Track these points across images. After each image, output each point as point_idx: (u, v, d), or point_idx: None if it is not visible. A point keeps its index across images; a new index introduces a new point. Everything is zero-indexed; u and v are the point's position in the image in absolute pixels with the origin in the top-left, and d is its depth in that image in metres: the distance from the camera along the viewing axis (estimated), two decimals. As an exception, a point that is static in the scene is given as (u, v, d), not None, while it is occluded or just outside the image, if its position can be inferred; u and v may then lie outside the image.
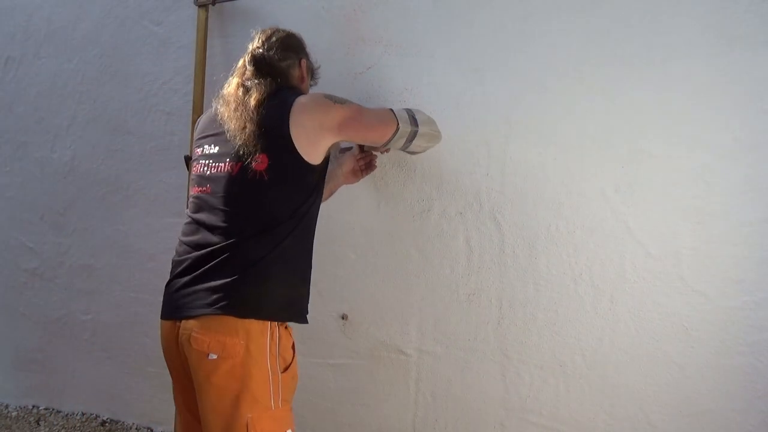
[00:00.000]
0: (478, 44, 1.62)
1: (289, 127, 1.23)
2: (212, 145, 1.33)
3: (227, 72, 1.42)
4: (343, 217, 1.82)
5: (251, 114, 1.24)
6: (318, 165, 1.30)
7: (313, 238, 1.38)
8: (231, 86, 1.34)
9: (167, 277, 1.33)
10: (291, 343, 1.29)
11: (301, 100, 1.28)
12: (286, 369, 1.25)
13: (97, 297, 2.22)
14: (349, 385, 1.90)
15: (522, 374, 1.69)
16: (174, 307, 1.26)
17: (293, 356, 1.29)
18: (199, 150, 1.38)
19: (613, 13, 1.49)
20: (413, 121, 1.45)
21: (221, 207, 1.25)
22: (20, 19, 2.12)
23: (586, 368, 1.62)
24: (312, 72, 1.56)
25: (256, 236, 1.22)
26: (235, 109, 1.27)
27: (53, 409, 2.42)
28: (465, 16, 1.62)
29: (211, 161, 1.31)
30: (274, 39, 1.40)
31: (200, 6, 1.80)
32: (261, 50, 1.37)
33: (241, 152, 1.23)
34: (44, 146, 2.18)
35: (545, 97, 1.57)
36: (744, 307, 1.46)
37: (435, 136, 1.56)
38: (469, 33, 1.63)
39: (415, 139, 1.46)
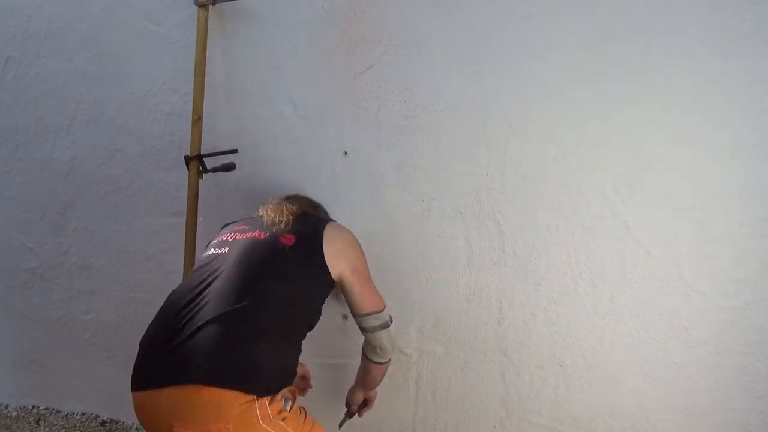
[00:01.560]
0: (478, 44, 1.62)
1: (322, 232, 1.38)
2: (241, 228, 1.41)
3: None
4: (343, 218, 1.82)
5: (292, 208, 1.42)
6: (330, 276, 1.37)
7: (303, 338, 1.36)
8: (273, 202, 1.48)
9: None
10: (280, 406, 1.20)
11: (336, 223, 1.50)
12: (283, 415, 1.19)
13: (97, 297, 2.22)
14: (349, 385, 1.90)
15: (522, 374, 1.69)
16: (155, 374, 1.15)
17: (292, 401, 1.23)
18: (219, 238, 1.43)
19: (613, 13, 1.49)
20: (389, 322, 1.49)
21: (238, 267, 1.24)
22: (20, 19, 2.12)
23: (586, 368, 1.62)
24: None
25: (269, 305, 1.22)
26: (278, 204, 1.44)
27: (53, 409, 2.42)
28: (465, 16, 1.62)
29: (236, 234, 1.37)
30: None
31: (200, 6, 1.80)
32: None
33: (273, 226, 1.34)
34: (44, 146, 2.18)
35: (545, 97, 1.57)
36: (744, 307, 1.46)
37: (387, 349, 1.50)
38: (469, 33, 1.62)
39: (383, 331, 1.46)
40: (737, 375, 1.49)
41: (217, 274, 1.24)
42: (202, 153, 1.77)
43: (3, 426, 2.34)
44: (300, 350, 1.33)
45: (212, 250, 1.36)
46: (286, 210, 1.42)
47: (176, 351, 1.12)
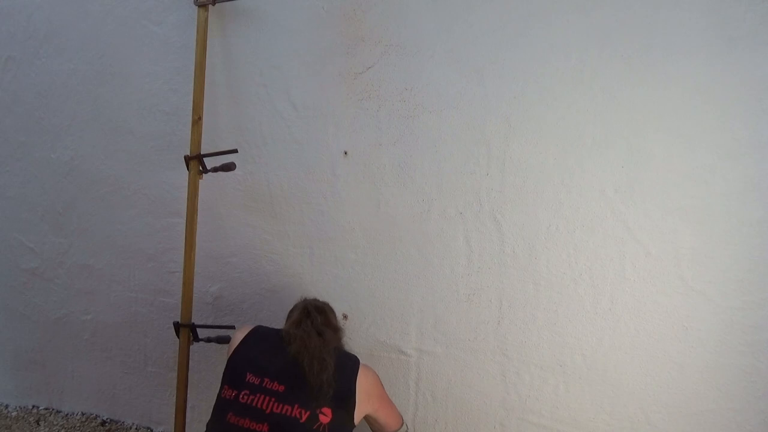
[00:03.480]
0: (478, 44, 1.62)
1: (355, 387, 1.37)
2: (274, 388, 1.34)
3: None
4: (343, 218, 1.82)
5: (332, 360, 1.36)
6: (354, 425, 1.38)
7: None
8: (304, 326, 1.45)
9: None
10: None
11: (364, 365, 1.45)
12: None
13: (97, 297, 2.22)
14: (349, 385, 1.90)
15: (522, 374, 1.69)
16: None
17: None
18: (257, 377, 1.36)
19: (613, 13, 1.49)
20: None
21: None
22: (20, 19, 2.12)
23: (586, 368, 1.62)
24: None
25: None
26: (316, 348, 1.38)
27: (53, 409, 2.42)
28: (465, 16, 1.62)
29: (272, 402, 1.31)
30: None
31: (200, 6, 1.80)
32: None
33: (311, 394, 1.31)
34: (44, 146, 2.18)
35: (545, 97, 1.57)
36: (744, 307, 1.46)
37: None
38: (469, 33, 1.62)
39: None
40: (737, 375, 1.49)
41: None
42: (202, 153, 1.77)
43: (3, 426, 2.34)
44: None
45: (247, 419, 1.31)
46: (320, 357, 1.36)
47: None
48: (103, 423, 2.31)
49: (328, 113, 1.78)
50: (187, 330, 1.76)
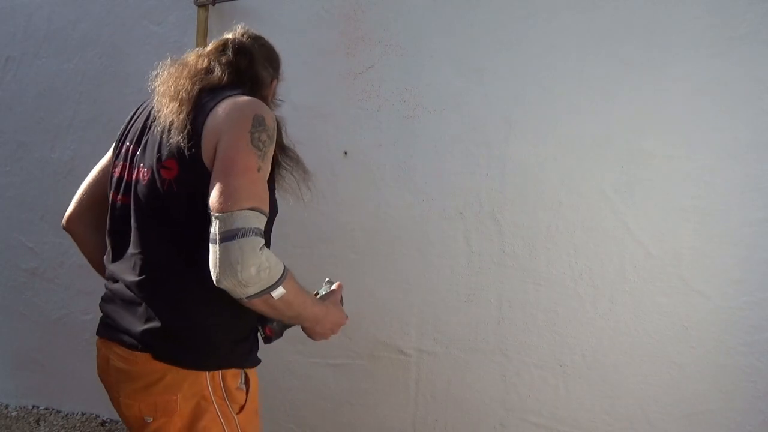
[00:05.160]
0: (478, 44, 1.62)
1: (205, 122, 0.99)
2: (135, 141, 1.11)
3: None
4: (343, 218, 1.82)
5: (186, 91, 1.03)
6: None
7: None
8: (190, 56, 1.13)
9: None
10: (239, 381, 1.08)
11: (235, 99, 1.02)
12: (241, 409, 1.07)
13: (97, 297, 2.21)
14: (349, 385, 1.90)
15: (522, 374, 1.69)
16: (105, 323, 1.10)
17: (247, 393, 1.09)
18: (123, 143, 1.15)
19: (613, 13, 1.49)
20: (276, 279, 0.95)
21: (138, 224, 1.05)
22: (20, 19, 2.12)
23: (586, 368, 1.62)
24: (274, 100, 1.36)
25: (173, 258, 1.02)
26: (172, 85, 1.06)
27: (53, 409, 2.42)
28: (465, 16, 1.62)
29: (128, 164, 1.10)
30: (261, 42, 1.21)
31: (200, 6, 1.80)
32: (243, 42, 1.16)
33: (157, 151, 1.02)
34: (44, 146, 2.18)
35: (545, 97, 1.57)
36: (744, 307, 1.46)
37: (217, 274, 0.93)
38: (469, 33, 1.63)
39: (211, 246, 0.92)
40: (737, 375, 1.49)
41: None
42: (202, 153, 1.77)
43: (3, 426, 2.34)
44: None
45: (111, 186, 1.12)
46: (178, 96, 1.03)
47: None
48: (103, 423, 2.31)
49: (328, 113, 1.78)
50: None
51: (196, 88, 1.04)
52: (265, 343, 1.16)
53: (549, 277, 1.63)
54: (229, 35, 1.17)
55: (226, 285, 0.90)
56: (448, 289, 1.74)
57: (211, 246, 0.91)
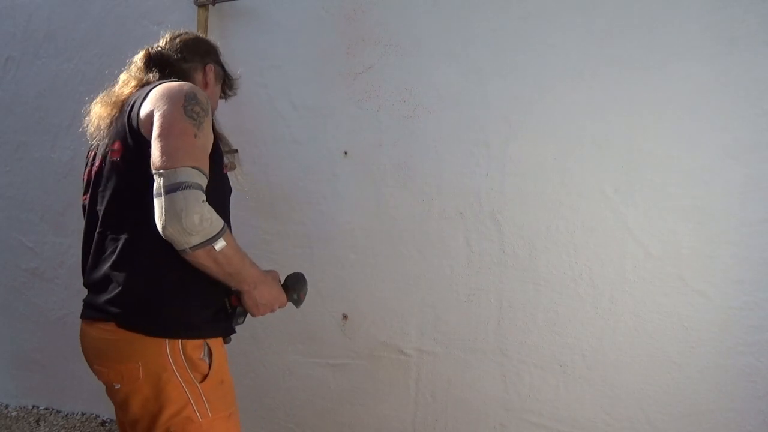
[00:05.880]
0: (477, 44, 1.62)
1: (143, 101, 1.07)
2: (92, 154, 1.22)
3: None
4: (343, 218, 1.82)
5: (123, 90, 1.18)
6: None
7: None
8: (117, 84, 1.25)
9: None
10: (202, 352, 1.10)
11: (165, 83, 1.10)
12: (204, 378, 1.09)
13: (97, 297, 2.22)
14: (349, 385, 1.90)
15: (522, 374, 1.69)
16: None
17: (210, 363, 1.11)
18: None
19: (613, 14, 1.49)
20: (214, 233, 1.00)
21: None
22: (20, 19, 2.12)
23: (586, 368, 1.62)
24: (228, 82, 1.41)
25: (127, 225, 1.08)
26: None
27: (53, 409, 2.42)
28: (465, 17, 1.62)
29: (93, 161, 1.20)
30: (177, 40, 1.30)
31: (200, 6, 1.80)
32: (159, 49, 1.27)
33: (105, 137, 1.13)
34: (44, 146, 2.18)
35: (545, 97, 1.57)
36: (744, 307, 1.46)
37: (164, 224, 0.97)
38: (468, 33, 1.62)
39: (155, 199, 0.98)
40: (737, 375, 1.49)
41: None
42: (201, 153, 1.77)
43: (3, 426, 2.34)
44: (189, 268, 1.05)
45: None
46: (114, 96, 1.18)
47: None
48: (103, 423, 2.31)
49: (328, 113, 1.78)
50: None
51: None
52: (232, 320, 1.19)
53: (549, 277, 1.63)
54: (150, 49, 1.27)
55: (171, 232, 0.95)
56: (448, 289, 1.74)
57: (155, 200, 0.97)
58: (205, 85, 1.32)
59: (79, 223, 2.18)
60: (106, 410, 2.33)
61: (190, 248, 0.97)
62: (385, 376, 1.85)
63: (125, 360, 1.07)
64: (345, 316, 1.87)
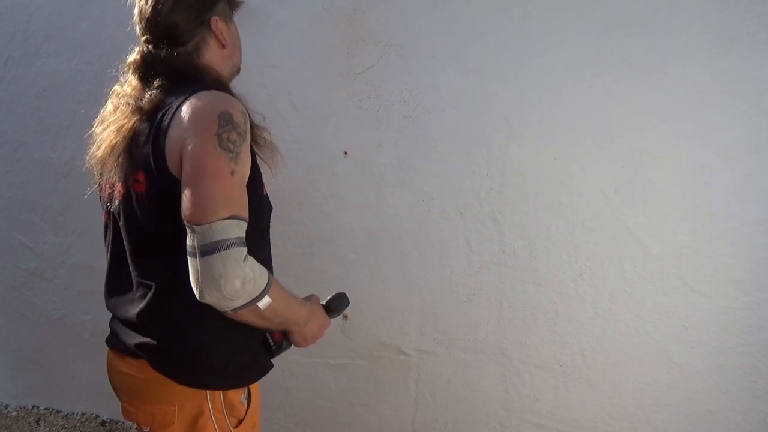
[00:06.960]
0: (478, 44, 1.62)
1: (169, 126, 0.92)
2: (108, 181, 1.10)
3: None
4: (343, 218, 1.82)
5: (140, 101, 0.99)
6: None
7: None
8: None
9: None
10: (242, 396, 1.06)
11: (198, 96, 0.93)
12: (239, 423, 1.05)
13: (97, 297, 2.20)
14: (349, 385, 1.90)
15: (522, 374, 1.69)
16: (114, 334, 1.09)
17: (247, 407, 1.07)
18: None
19: (613, 13, 1.49)
20: (260, 291, 0.91)
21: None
22: (20, 19, 2.12)
23: (586, 368, 1.62)
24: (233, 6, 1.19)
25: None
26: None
27: (53, 409, 2.42)
28: (465, 16, 1.62)
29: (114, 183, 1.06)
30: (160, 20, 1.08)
31: (200, 6, 1.80)
32: (150, 50, 1.07)
33: (127, 167, 0.99)
34: (44, 146, 2.18)
35: (545, 97, 1.57)
36: (744, 307, 1.46)
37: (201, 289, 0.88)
38: (469, 33, 1.62)
39: (190, 259, 0.87)
40: (737, 375, 1.49)
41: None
42: (201, 153, 1.77)
43: (3, 426, 2.34)
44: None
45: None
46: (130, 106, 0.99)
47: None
48: (103, 423, 2.31)
49: (328, 113, 1.78)
50: None
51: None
52: (275, 352, 1.12)
53: (549, 277, 1.63)
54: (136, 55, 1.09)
55: (210, 300, 0.86)
56: (448, 289, 1.74)
57: (190, 260, 0.86)
58: (222, 45, 1.13)
59: (80, 223, 2.19)
60: (106, 410, 2.33)
61: (231, 311, 0.88)
62: (385, 376, 1.85)
63: (159, 402, 0.99)
64: (345, 316, 1.87)
